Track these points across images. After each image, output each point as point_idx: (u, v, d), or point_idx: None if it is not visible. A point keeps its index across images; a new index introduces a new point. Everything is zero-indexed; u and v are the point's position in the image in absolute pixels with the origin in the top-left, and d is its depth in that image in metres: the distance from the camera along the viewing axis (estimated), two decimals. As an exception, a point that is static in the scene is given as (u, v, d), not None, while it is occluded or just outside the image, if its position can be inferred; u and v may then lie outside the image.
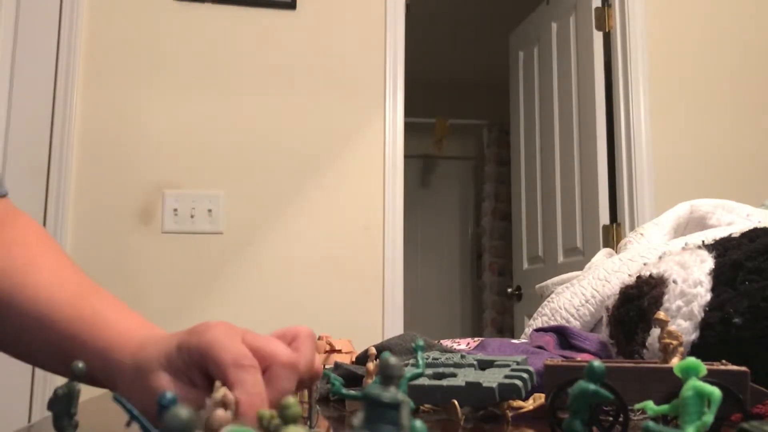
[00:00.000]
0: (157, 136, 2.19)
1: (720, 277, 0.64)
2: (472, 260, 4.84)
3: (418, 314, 4.45)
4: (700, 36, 2.56)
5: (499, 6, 3.83)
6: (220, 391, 0.38)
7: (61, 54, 2.14)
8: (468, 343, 0.83)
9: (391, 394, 0.23)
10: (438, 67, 4.53)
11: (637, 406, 0.38)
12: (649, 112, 2.45)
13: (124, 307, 0.58)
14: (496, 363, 0.61)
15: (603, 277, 0.97)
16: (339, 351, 0.83)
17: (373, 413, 0.23)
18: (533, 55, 3.13)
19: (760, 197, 1.63)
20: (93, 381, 0.52)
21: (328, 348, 0.84)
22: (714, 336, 0.61)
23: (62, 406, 0.40)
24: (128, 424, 0.36)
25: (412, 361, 0.60)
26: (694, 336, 0.63)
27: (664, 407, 0.35)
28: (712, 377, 0.34)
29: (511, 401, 0.56)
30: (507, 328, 4.27)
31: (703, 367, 0.33)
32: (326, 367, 0.81)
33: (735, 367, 0.46)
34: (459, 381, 0.55)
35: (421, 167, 4.85)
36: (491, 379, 0.55)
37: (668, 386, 0.37)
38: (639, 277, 0.71)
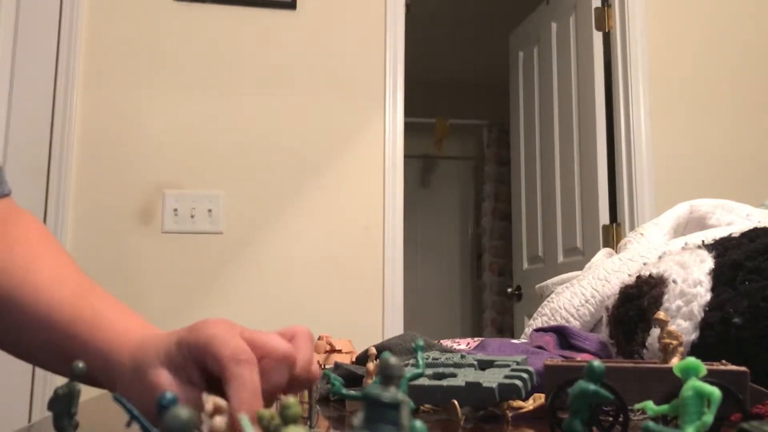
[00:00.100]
0: (157, 136, 2.19)
1: (720, 277, 0.64)
2: (472, 260, 4.84)
3: (418, 314, 4.45)
4: (700, 36, 2.56)
5: (499, 6, 3.83)
6: (210, 402, 0.38)
7: (61, 54, 2.14)
8: (468, 343, 0.83)
9: (391, 394, 0.23)
10: (438, 67, 4.53)
11: (637, 406, 0.38)
12: (649, 112, 2.45)
13: (124, 307, 0.58)
14: (496, 363, 0.61)
15: (603, 277, 0.97)
16: (339, 351, 0.84)
17: (373, 413, 0.23)
18: (533, 55, 3.13)
19: (760, 197, 1.63)
20: (93, 381, 0.53)
21: (328, 348, 0.84)
22: (714, 336, 0.61)
23: (62, 406, 0.40)
24: (128, 424, 0.36)
25: (412, 361, 0.60)
26: (693, 336, 0.63)
27: (664, 407, 0.35)
28: (711, 377, 0.34)
29: (511, 401, 0.56)
30: (507, 328, 4.27)
31: (703, 367, 0.33)
32: (326, 367, 0.81)
33: (735, 367, 0.46)
34: (459, 381, 0.55)
35: (421, 167, 4.85)
36: (491, 379, 0.55)
37: (668, 386, 0.37)
38: (639, 277, 0.71)
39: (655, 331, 0.64)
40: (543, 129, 3.00)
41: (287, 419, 0.27)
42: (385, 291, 2.23)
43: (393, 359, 0.24)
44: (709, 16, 2.57)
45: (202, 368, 0.45)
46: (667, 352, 0.48)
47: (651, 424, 0.29)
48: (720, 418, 0.35)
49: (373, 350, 0.65)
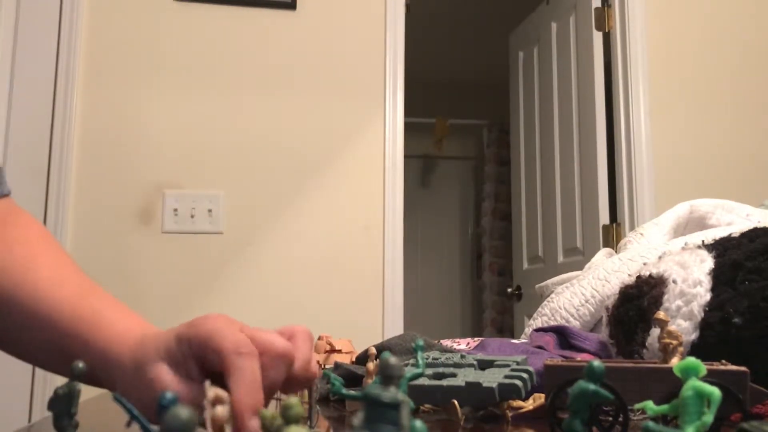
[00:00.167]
0: (157, 136, 2.19)
1: (720, 277, 0.64)
2: (472, 260, 4.84)
3: (418, 314, 4.45)
4: (700, 36, 2.56)
5: (499, 6, 3.83)
6: (211, 391, 0.38)
7: (61, 54, 2.14)
8: (468, 343, 0.83)
9: (391, 394, 0.23)
10: (438, 67, 4.53)
11: (637, 406, 0.38)
12: (649, 112, 2.45)
13: (124, 307, 0.58)
14: (496, 363, 0.61)
15: (603, 277, 0.97)
16: (339, 351, 0.84)
17: (373, 413, 0.23)
18: (533, 55, 3.13)
19: (760, 197, 1.63)
20: (93, 381, 0.53)
21: (328, 348, 0.84)
22: (714, 336, 0.61)
23: (62, 406, 0.40)
24: (128, 424, 0.36)
25: (412, 361, 0.60)
26: (693, 336, 0.63)
27: (664, 407, 0.35)
28: (711, 377, 0.34)
29: (511, 401, 0.56)
30: (507, 328, 4.27)
31: (703, 367, 0.33)
32: (326, 367, 0.81)
33: (735, 367, 0.46)
34: (459, 381, 0.55)
35: (421, 167, 4.85)
36: (491, 379, 0.55)
37: (668, 386, 0.37)
38: (639, 277, 0.71)
39: (655, 331, 0.64)
40: (543, 129, 3.00)
41: (289, 419, 0.27)
42: (385, 291, 2.23)
43: (393, 359, 0.24)
44: (709, 16, 2.57)
45: (201, 363, 0.46)
46: (667, 352, 0.48)
47: (651, 424, 0.29)
48: (720, 418, 0.35)
49: (373, 350, 0.65)
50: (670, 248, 0.90)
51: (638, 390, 0.45)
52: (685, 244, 0.84)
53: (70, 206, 2.11)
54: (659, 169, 2.43)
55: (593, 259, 1.15)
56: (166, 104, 2.21)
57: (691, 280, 0.65)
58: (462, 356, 0.63)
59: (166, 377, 0.45)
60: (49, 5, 2.14)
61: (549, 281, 1.18)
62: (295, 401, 0.27)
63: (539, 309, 1.03)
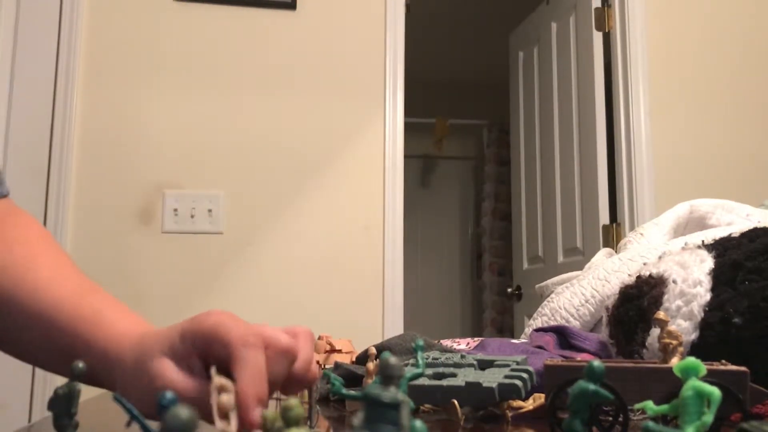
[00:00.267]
0: (157, 136, 2.19)
1: (720, 277, 0.64)
2: (472, 260, 4.84)
3: (418, 314, 4.45)
4: (700, 36, 2.56)
5: (499, 6, 3.83)
6: (216, 379, 0.38)
7: (61, 54, 2.14)
8: (468, 343, 0.83)
9: (391, 394, 0.23)
10: (438, 67, 4.53)
11: (637, 406, 0.38)
12: (649, 112, 2.45)
13: (125, 307, 0.58)
14: (496, 363, 0.61)
15: (603, 277, 0.97)
16: (339, 351, 0.84)
17: (373, 413, 0.23)
18: (533, 55, 3.13)
19: (760, 197, 1.63)
20: (93, 380, 0.52)
21: (328, 348, 0.84)
22: (714, 336, 0.61)
23: (62, 406, 0.40)
24: (128, 424, 0.36)
25: (412, 361, 0.60)
26: (693, 336, 0.63)
27: (664, 407, 0.35)
28: (711, 377, 0.34)
29: (511, 401, 0.56)
30: (507, 328, 4.27)
31: (703, 367, 0.33)
32: (326, 367, 0.81)
33: (735, 367, 0.46)
34: (459, 381, 0.55)
35: (421, 167, 4.85)
36: (491, 379, 0.55)
37: (668, 386, 0.37)
38: (639, 277, 0.71)
39: (655, 331, 0.64)
40: (543, 129, 3.00)
41: (289, 421, 0.27)
42: (385, 291, 2.23)
43: (393, 359, 0.24)
44: (709, 16, 2.57)
45: (204, 359, 0.46)
46: (667, 352, 0.48)
47: (651, 424, 0.29)
48: (720, 418, 0.35)
49: (373, 350, 0.65)
50: (670, 248, 0.90)
51: (638, 390, 0.45)
52: (685, 244, 0.84)
53: (70, 206, 2.11)
54: (659, 169, 2.43)
55: (593, 259, 1.15)
56: (166, 104, 2.21)
57: (691, 280, 0.65)
58: (462, 356, 0.63)
59: (169, 371, 0.45)
60: (49, 5, 2.14)
61: (549, 281, 1.18)
62: (295, 403, 0.27)
63: (539, 309, 1.03)
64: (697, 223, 1.08)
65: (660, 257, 0.79)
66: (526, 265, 3.13)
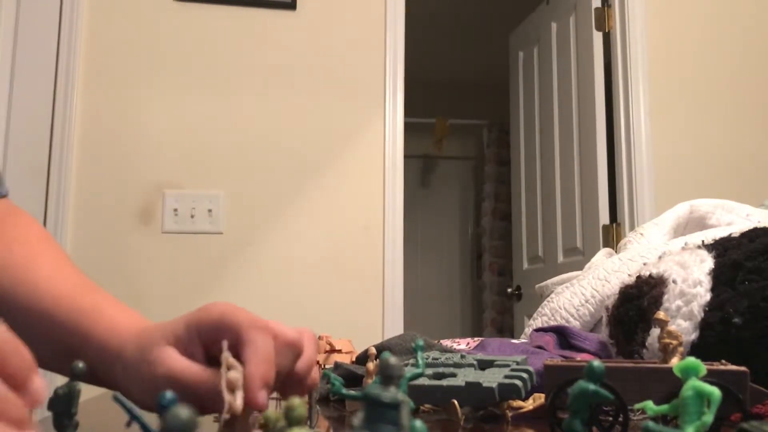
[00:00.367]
0: (157, 136, 2.19)
1: (720, 277, 0.64)
2: (472, 260, 4.84)
3: (418, 314, 4.44)
4: (700, 36, 2.56)
5: (499, 6, 3.83)
6: (226, 353, 0.39)
7: (61, 54, 2.14)
8: (468, 343, 0.83)
9: (391, 394, 0.23)
10: (438, 67, 4.53)
11: (637, 406, 0.38)
12: (649, 112, 2.45)
13: (125, 306, 0.58)
14: (496, 363, 0.61)
15: (603, 277, 0.97)
16: (339, 351, 0.83)
17: (373, 413, 0.23)
18: (533, 55, 3.13)
19: (760, 197, 1.63)
20: (92, 376, 0.52)
21: (328, 348, 0.84)
22: (714, 336, 0.61)
23: (62, 406, 0.40)
24: (128, 424, 0.36)
25: (412, 361, 0.60)
26: (693, 336, 0.63)
27: (664, 407, 0.35)
28: (711, 377, 0.34)
29: (511, 401, 0.56)
30: (507, 328, 4.27)
31: (703, 367, 0.33)
32: (326, 367, 0.81)
33: (735, 367, 0.46)
34: (459, 381, 0.55)
35: (421, 167, 4.85)
36: (491, 379, 0.55)
37: (668, 386, 0.37)
38: (639, 277, 0.71)
39: (655, 331, 0.64)
40: (543, 129, 3.00)
41: (292, 421, 0.27)
42: (385, 291, 2.23)
43: (393, 359, 0.24)
44: (709, 16, 2.57)
45: (208, 349, 0.46)
46: (667, 352, 0.48)
47: (651, 424, 0.29)
48: (720, 418, 0.35)
49: (373, 350, 0.65)
50: (670, 248, 0.90)
51: (638, 390, 0.45)
52: (685, 244, 0.84)
53: (70, 206, 2.11)
54: (659, 169, 2.43)
55: (593, 259, 1.15)
56: (166, 104, 2.21)
57: (691, 280, 0.65)
58: (462, 356, 0.63)
59: (172, 357, 0.45)
60: (49, 5, 2.14)
61: (549, 281, 1.18)
62: (298, 402, 0.27)
63: (539, 309, 1.03)
64: (697, 223, 1.08)
65: (660, 257, 0.79)
66: (526, 265, 3.14)
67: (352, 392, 0.36)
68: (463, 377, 0.56)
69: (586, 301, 0.96)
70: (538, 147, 3.03)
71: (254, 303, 2.16)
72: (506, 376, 0.55)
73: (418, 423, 0.23)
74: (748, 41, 2.57)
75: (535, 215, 3.04)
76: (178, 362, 0.45)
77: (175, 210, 2.16)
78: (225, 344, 0.40)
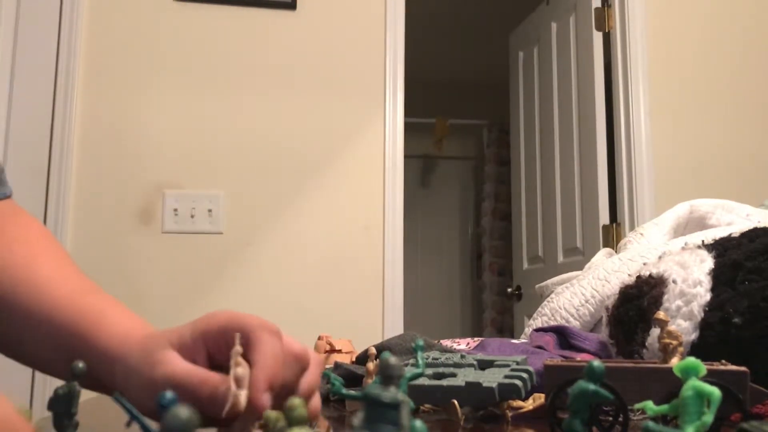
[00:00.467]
0: (157, 136, 2.19)
1: (720, 277, 0.64)
2: (472, 260, 4.84)
3: (418, 314, 4.45)
4: (700, 36, 2.56)
5: (499, 6, 3.83)
6: (238, 347, 0.39)
7: (61, 54, 2.14)
8: (468, 343, 0.83)
9: (391, 394, 0.23)
10: (438, 67, 4.53)
11: (637, 406, 0.38)
12: (649, 113, 2.45)
13: (126, 308, 0.58)
14: (496, 363, 0.61)
15: (603, 277, 0.97)
16: (339, 351, 0.83)
17: (373, 413, 0.23)
18: (533, 55, 3.13)
19: (760, 197, 1.63)
20: (93, 381, 0.52)
21: (328, 348, 0.84)
22: (714, 336, 0.61)
23: (62, 406, 0.40)
24: (128, 424, 0.36)
25: (412, 361, 0.60)
26: (693, 336, 0.63)
27: (664, 407, 0.35)
28: (711, 377, 0.34)
29: (511, 401, 0.56)
30: (507, 328, 4.27)
31: (703, 367, 0.33)
32: (326, 367, 0.81)
33: (735, 367, 0.46)
34: (459, 381, 0.55)
35: (421, 167, 4.85)
36: (491, 379, 0.55)
37: (668, 386, 0.37)
38: (639, 277, 0.71)
39: (655, 331, 0.64)
40: (543, 129, 3.00)
41: (292, 421, 0.27)
42: (385, 291, 2.23)
43: (393, 359, 0.24)
44: (709, 16, 2.57)
45: (210, 356, 0.46)
46: (667, 352, 0.48)
47: (651, 424, 0.29)
48: (720, 418, 0.35)
49: (373, 350, 0.65)
50: (670, 248, 0.90)
51: (638, 390, 0.45)
52: (685, 244, 0.84)
53: (70, 206, 2.11)
54: (659, 169, 2.43)
55: (593, 259, 1.15)
56: (166, 104, 2.21)
57: (691, 280, 0.65)
58: (462, 356, 0.63)
59: (174, 360, 0.45)
60: (49, 5, 2.14)
61: (549, 281, 1.18)
62: (299, 402, 0.27)
63: (539, 309, 1.03)
64: (697, 223, 1.08)
65: (660, 257, 0.79)
66: (526, 265, 3.14)
67: (352, 392, 0.36)
68: (463, 377, 0.56)
69: (586, 301, 0.96)
70: (538, 147, 3.03)
71: (254, 303, 2.16)
72: (506, 376, 0.55)
73: (418, 423, 0.23)
74: (748, 41, 2.57)
75: (535, 215, 3.04)
76: (179, 365, 0.44)
77: (175, 210, 2.16)
78: (238, 336, 0.40)
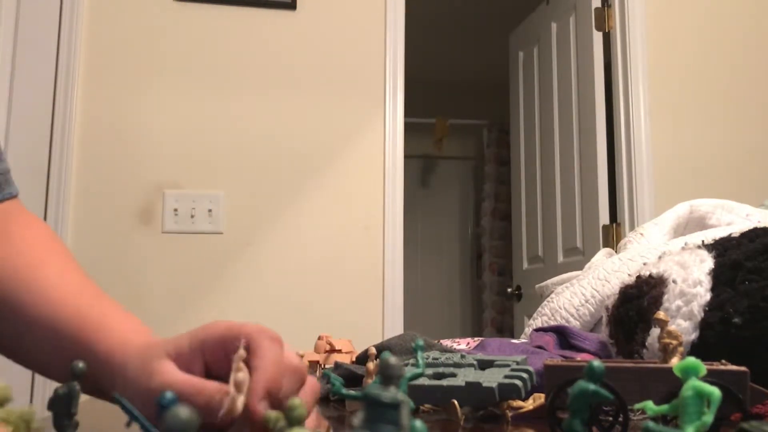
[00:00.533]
0: (157, 136, 2.19)
1: (720, 277, 0.64)
2: (472, 260, 4.84)
3: (418, 314, 4.45)
4: (699, 36, 2.56)
5: (499, 6, 3.83)
6: (242, 351, 0.39)
7: (61, 54, 2.14)
8: (468, 343, 0.83)
9: (391, 394, 0.23)
10: (438, 67, 4.53)
11: (637, 406, 0.38)
12: (649, 112, 2.45)
13: (129, 313, 0.58)
14: (496, 363, 0.61)
15: (603, 276, 0.97)
16: (339, 351, 0.83)
17: (373, 413, 0.23)
18: (533, 55, 3.13)
19: (760, 197, 1.63)
20: (93, 386, 0.52)
21: (328, 348, 0.84)
22: (714, 336, 0.61)
23: (62, 406, 0.40)
24: (128, 424, 0.36)
25: (412, 361, 0.60)
26: (693, 336, 0.63)
27: (664, 407, 0.35)
28: (711, 377, 0.34)
29: (511, 401, 0.56)
30: (507, 328, 4.27)
31: (703, 367, 0.33)
32: (326, 367, 0.81)
33: (735, 367, 0.46)
34: (459, 381, 0.55)
35: (421, 167, 4.85)
36: (491, 379, 0.55)
37: (668, 386, 0.37)
38: (639, 277, 0.71)
39: (655, 331, 0.64)
40: (543, 129, 3.00)
41: (292, 421, 0.27)
42: (385, 291, 2.23)
43: (393, 359, 0.24)
44: (709, 16, 2.57)
45: (208, 366, 0.46)
46: (667, 352, 0.48)
47: (651, 424, 0.29)
48: (720, 418, 0.35)
49: (373, 350, 0.65)
50: (670, 248, 0.90)
51: (638, 390, 0.45)
52: (685, 244, 0.84)
53: (70, 206, 2.11)
54: (659, 169, 2.43)
55: (593, 259, 1.15)
56: (166, 104, 2.21)
57: (691, 280, 0.65)
58: (462, 356, 0.63)
59: (170, 370, 0.45)
60: (49, 5, 2.14)
61: (549, 281, 1.18)
62: (299, 402, 0.27)
63: (539, 309, 1.03)
64: (697, 223, 1.08)
65: (660, 257, 0.79)
66: (526, 265, 3.14)
67: (352, 392, 0.36)
68: (463, 377, 0.56)
69: (586, 301, 0.96)
70: (538, 147, 3.03)
71: (254, 303, 2.16)
72: (506, 376, 0.55)
73: (418, 423, 0.23)
74: (748, 41, 2.57)
75: (535, 215, 3.04)
76: (175, 375, 0.44)
77: (175, 210, 2.16)
78: (243, 341, 0.40)
